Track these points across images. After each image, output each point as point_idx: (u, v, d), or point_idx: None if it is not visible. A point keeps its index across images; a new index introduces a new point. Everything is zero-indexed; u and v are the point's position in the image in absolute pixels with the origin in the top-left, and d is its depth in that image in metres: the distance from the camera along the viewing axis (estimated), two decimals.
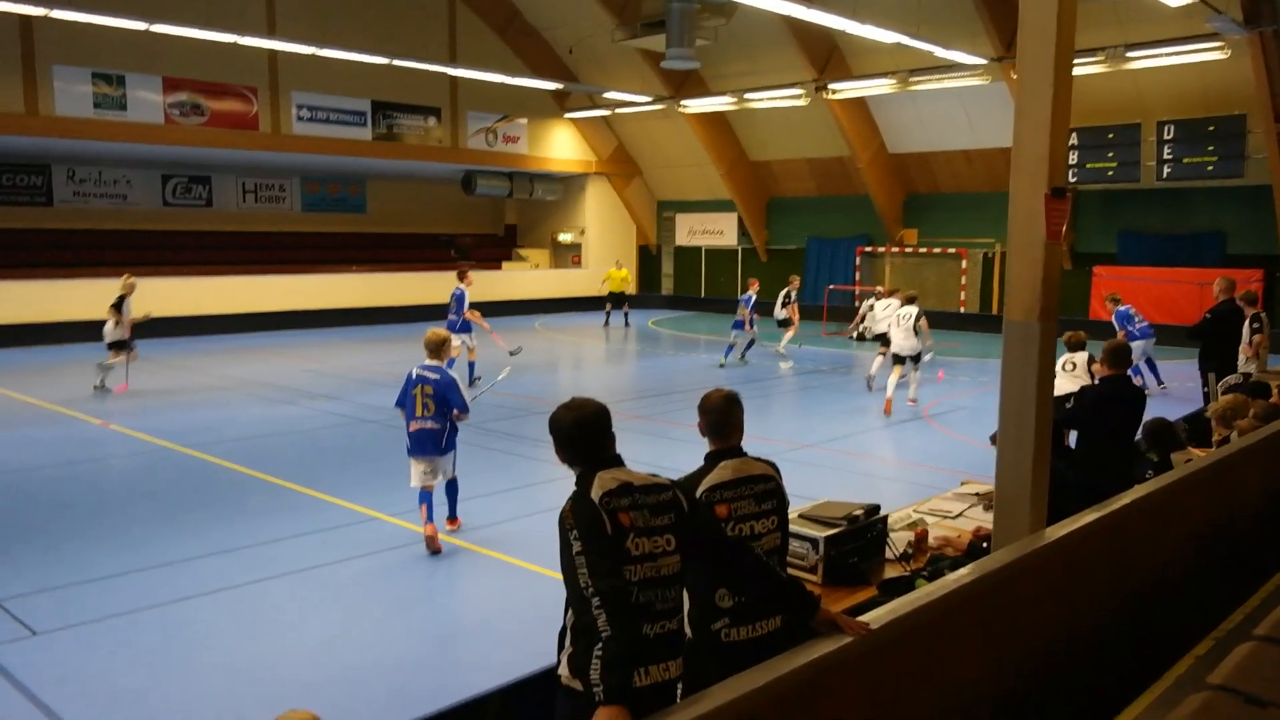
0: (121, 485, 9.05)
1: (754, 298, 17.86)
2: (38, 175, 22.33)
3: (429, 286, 25.74)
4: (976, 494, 5.63)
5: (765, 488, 3.52)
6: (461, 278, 15.05)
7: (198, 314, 21.59)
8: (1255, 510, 6.00)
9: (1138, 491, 4.77)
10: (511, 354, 15.52)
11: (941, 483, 8.29)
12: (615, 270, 26.32)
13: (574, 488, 2.96)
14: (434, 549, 7.04)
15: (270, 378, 15.68)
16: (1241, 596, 4.51)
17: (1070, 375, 11.88)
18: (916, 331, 12.99)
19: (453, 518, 7.61)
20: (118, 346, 13.83)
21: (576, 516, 2.83)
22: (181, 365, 17.06)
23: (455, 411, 7.20)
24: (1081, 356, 10.62)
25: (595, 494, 2.89)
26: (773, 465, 3.62)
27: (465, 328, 14.56)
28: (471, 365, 14.90)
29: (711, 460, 3.54)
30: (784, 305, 18.83)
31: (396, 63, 19.92)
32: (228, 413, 12.62)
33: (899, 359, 13.32)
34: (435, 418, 7.15)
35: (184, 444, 10.55)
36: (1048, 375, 4.20)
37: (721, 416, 3.59)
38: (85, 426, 11.59)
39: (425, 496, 7.23)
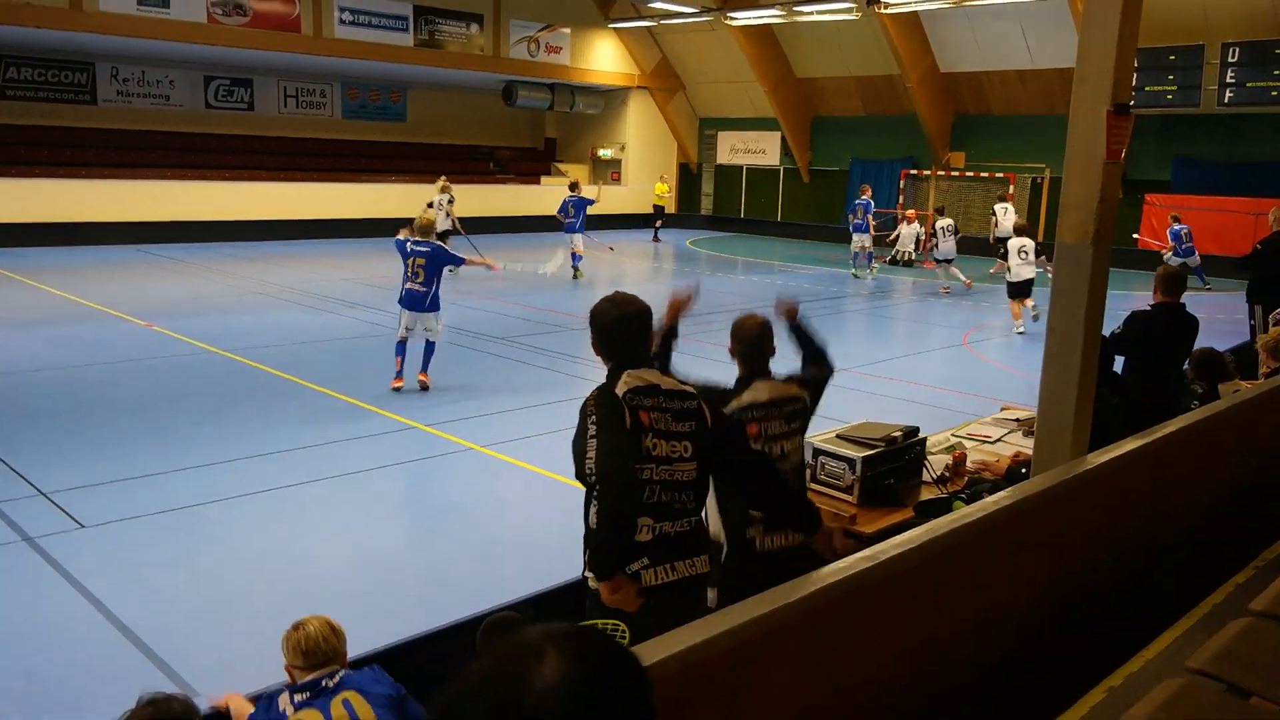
0: (165, 386, 9.20)
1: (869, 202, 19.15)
2: (82, 73, 22.32)
3: (467, 199, 25.60)
4: (1017, 420, 5.56)
5: (795, 408, 3.59)
6: (574, 188, 18.01)
7: (239, 219, 21.70)
8: None
9: (1182, 421, 4.68)
10: (611, 249, 20.23)
11: (978, 409, 8.22)
12: (660, 184, 26.43)
13: (604, 381, 3.03)
14: (395, 387, 9.00)
15: (309, 285, 15.79)
16: None
17: (1026, 262, 13.78)
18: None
19: (424, 371, 9.20)
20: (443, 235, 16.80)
21: (599, 405, 2.92)
22: (221, 270, 17.22)
23: (450, 267, 9.16)
24: (1029, 243, 13.37)
25: (620, 389, 2.95)
26: (802, 385, 3.68)
27: (579, 229, 17.58)
28: (578, 257, 17.77)
29: (744, 382, 3.59)
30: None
31: None
32: (267, 318, 12.75)
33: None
34: (424, 283, 9.00)
35: (225, 348, 10.69)
36: (1098, 301, 4.09)
37: (754, 348, 3.61)
38: (129, 327, 11.77)
39: (400, 349, 9.06)
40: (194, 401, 8.64)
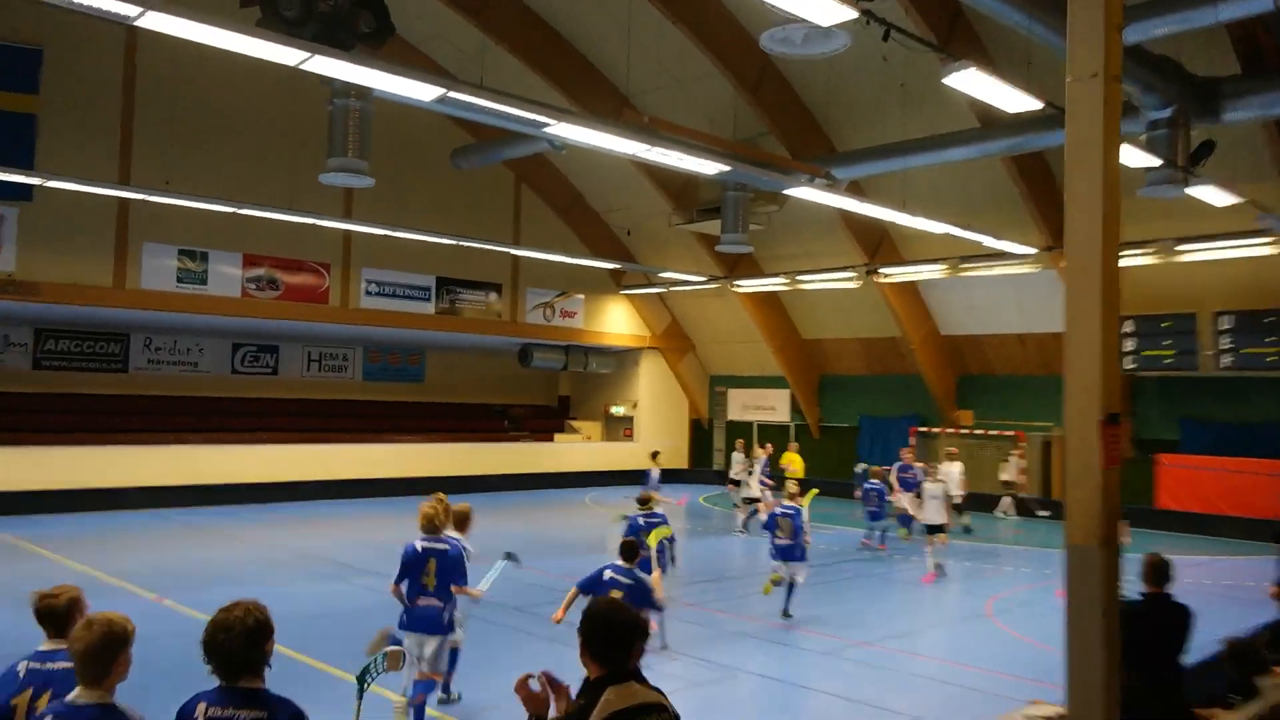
0: (174, 666, 8.95)
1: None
2: (116, 343, 23.36)
3: (482, 457, 26.09)
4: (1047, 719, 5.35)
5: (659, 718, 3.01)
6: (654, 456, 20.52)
7: (258, 481, 21.94)
8: None
9: None
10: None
11: (1003, 689, 7.95)
12: (790, 454, 21.61)
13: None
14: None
15: (324, 551, 15.74)
16: None
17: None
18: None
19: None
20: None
21: None
22: (239, 535, 17.25)
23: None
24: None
25: (599, 715, 2.85)
26: (663, 693, 3.09)
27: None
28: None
29: (598, 687, 3.02)
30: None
31: (463, 244, 20.94)
32: (281, 588, 12.60)
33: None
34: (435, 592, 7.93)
35: None
36: (1113, 605, 4.09)
37: (616, 642, 3.09)
38: (139, 601, 11.63)
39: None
40: (202, 683, 8.36)
